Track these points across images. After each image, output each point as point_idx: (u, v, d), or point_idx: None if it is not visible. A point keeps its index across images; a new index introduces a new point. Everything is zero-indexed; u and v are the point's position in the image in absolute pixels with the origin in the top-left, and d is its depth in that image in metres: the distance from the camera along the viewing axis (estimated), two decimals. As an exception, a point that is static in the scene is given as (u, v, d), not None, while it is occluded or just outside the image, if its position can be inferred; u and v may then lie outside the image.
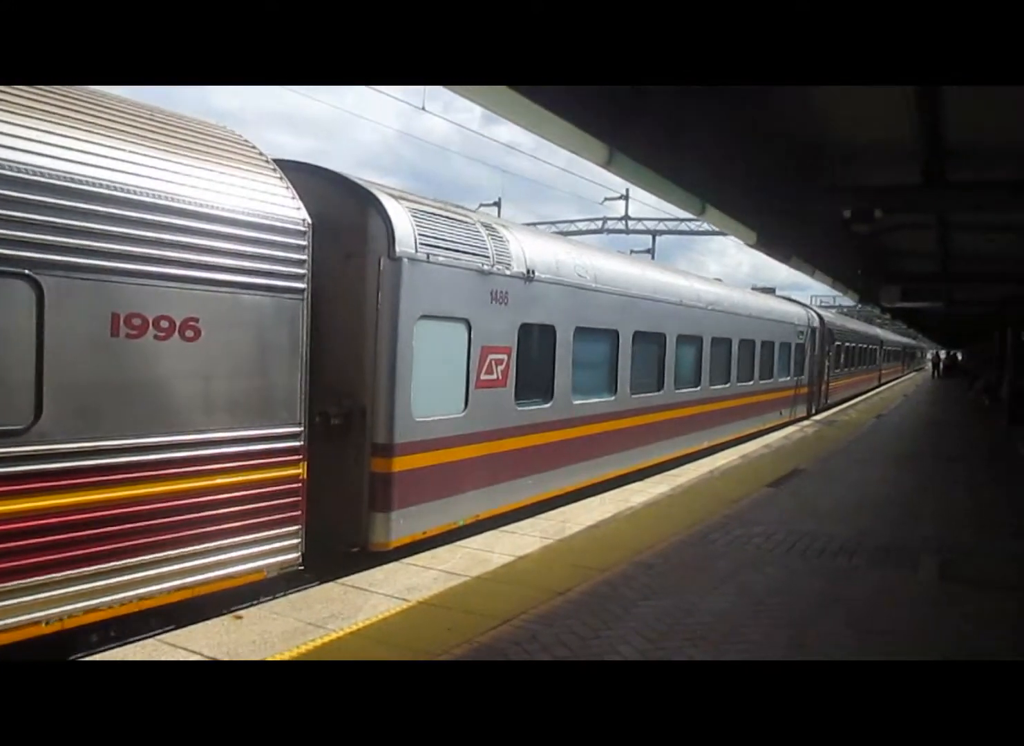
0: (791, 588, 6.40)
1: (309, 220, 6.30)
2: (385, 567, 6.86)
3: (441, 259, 7.62)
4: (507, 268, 8.57)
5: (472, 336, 8.12)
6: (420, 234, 7.41)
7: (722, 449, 15.49)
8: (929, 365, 71.37)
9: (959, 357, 65.37)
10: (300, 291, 6.24)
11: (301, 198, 6.39)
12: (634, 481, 11.42)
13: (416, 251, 7.31)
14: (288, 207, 6.15)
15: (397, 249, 7.10)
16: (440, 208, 8.19)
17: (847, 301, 41.56)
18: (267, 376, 6.07)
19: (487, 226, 8.63)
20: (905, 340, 64.35)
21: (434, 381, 7.73)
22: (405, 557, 7.14)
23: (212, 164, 5.79)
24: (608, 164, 4.85)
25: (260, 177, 6.11)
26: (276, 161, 6.67)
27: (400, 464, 7.27)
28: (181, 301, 5.40)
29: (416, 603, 5.92)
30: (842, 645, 5.22)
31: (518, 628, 5.40)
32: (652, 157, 5.26)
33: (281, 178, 6.31)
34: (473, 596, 6.11)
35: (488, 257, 8.28)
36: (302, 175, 7.05)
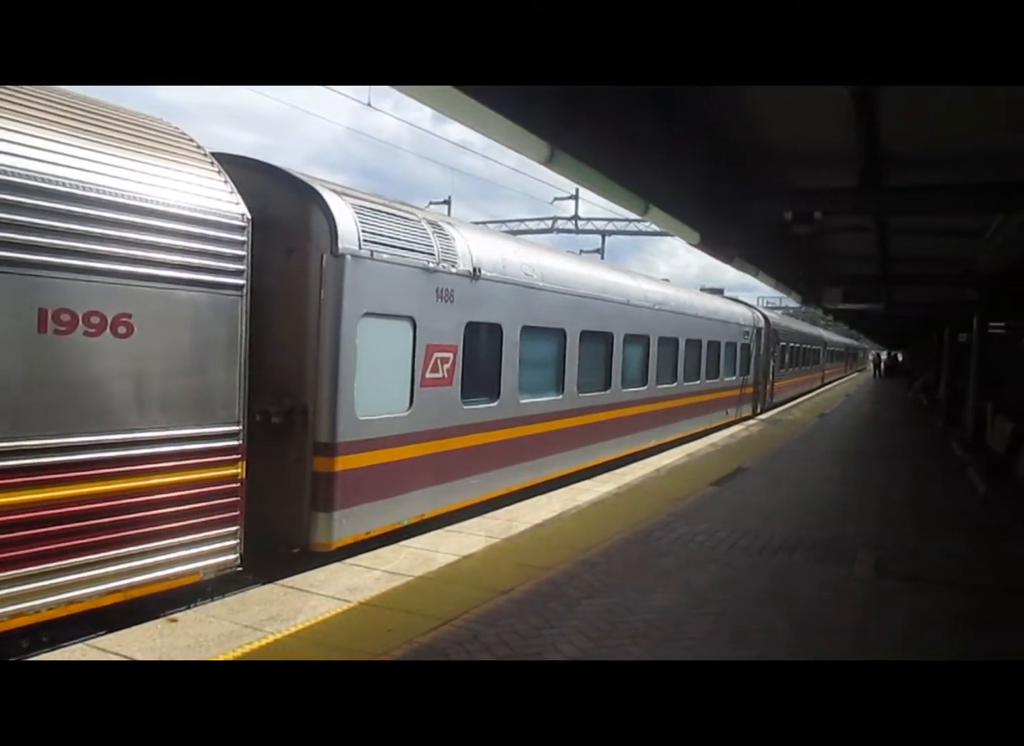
0: (733, 585, 6.46)
1: (248, 215, 6.17)
2: (327, 568, 6.76)
3: (385, 256, 7.54)
4: (453, 266, 8.51)
5: (417, 334, 8.05)
6: (364, 231, 7.32)
7: (669, 448, 15.63)
8: (871, 366, 72.97)
9: (899, 358, 67.03)
10: (239, 287, 6.11)
11: (241, 193, 6.26)
12: (581, 480, 11.45)
13: (359, 248, 7.22)
14: (226, 201, 6.02)
15: (340, 246, 7.01)
16: (384, 205, 8.11)
17: (793, 302, 42.33)
18: (204, 374, 5.94)
19: (432, 224, 8.57)
20: (848, 341, 65.76)
21: (378, 379, 7.64)
22: (348, 558, 7.05)
23: (146, 156, 5.63)
24: (549, 162, 4.83)
25: (196, 170, 5.97)
26: (215, 155, 6.53)
27: (343, 463, 7.17)
28: (113, 296, 5.25)
29: (357, 604, 5.84)
30: (782, 641, 5.29)
31: (460, 628, 5.37)
32: (594, 156, 5.26)
33: (219, 172, 6.18)
34: (416, 596, 6.06)
35: (433, 255, 8.22)
36: (242, 170, 6.91)
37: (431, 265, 8.16)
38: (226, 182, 6.14)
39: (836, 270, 17.36)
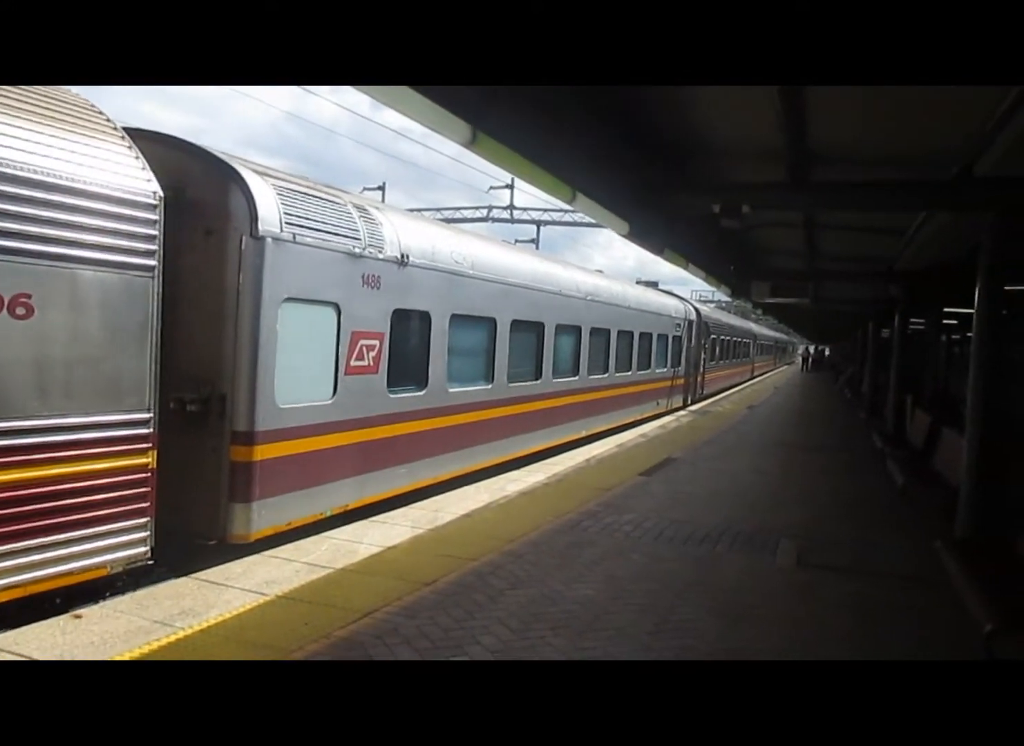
0: (656, 575, 6.47)
1: (160, 193, 5.90)
2: (245, 560, 6.56)
3: (308, 240, 7.32)
4: (380, 252, 8.33)
5: (342, 321, 7.85)
6: (286, 213, 7.09)
7: (600, 438, 15.71)
8: (799, 359, 74.72)
9: (826, 352, 68.81)
10: (150, 268, 5.84)
11: (156, 170, 5.98)
12: (511, 470, 11.41)
13: (281, 230, 6.99)
14: (137, 178, 5.74)
15: (260, 228, 6.77)
16: (309, 187, 7.88)
17: (724, 296, 43.10)
18: (112, 359, 5.65)
19: (359, 208, 8.37)
20: (777, 335, 67.27)
21: (300, 367, 7.43)
22: (267, 549, 6.86)
23: (47, 127, 5.32)
24: (471, 144, 4.71)
25: (104, 144, 5.66)
26: (129, 130, 6.24)
27: (262, 453, 6.96)
28: (10, 275, 4.95)
29: (274, 597, 5.67)
30: (703, 631, 5.31)
31: (380, 621, 5.25)
32: (518, 140, 5.15)
33: (130, 147, 5.89)
34: (336, 589, 5.91)
35: (359, 240, 8.02)
36: (158, 146, 6.63)
37: (357, 250, 7.97)
38: (137, 158, 5.85)
39: (765, 265, 17.62)
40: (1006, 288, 7.42)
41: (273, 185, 7.16)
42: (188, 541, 6.88)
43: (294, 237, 7.13)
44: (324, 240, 7.53)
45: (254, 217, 6.73)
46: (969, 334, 16.67)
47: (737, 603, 5.91)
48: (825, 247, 14.55)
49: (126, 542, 5.81)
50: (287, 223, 7.07)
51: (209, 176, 6.90)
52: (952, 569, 5.52)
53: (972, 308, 7.66)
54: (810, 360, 62.94)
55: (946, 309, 16.25)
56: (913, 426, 13.20)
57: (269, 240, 6.86)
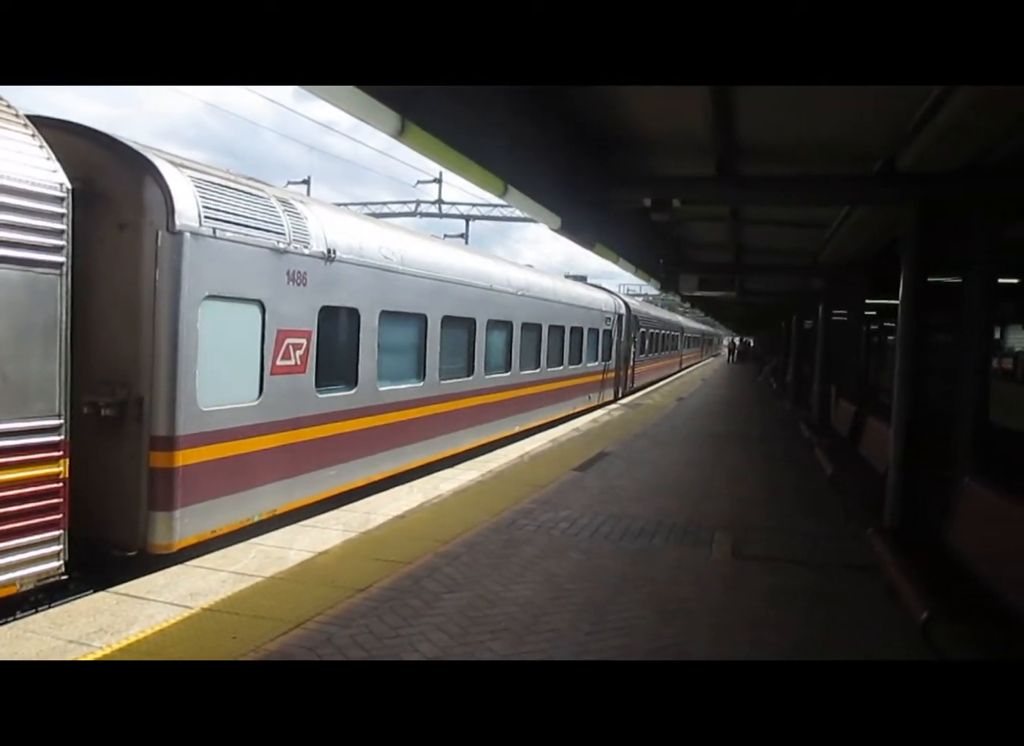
0: (593, 572, 6.41)
1: (68, 184, 5.56)
2: (167, 571, 6.24)
3: (230, 234, 7.02)
4: (305, 247, 8.06)
5: (267, 319, 7.57)
6: (205, 206, 6.78)
7: (534, 433, 15.66)
8: (726, 351, 76.23)
9: (751, 344, 70.38)
10: (58, 265, 5.49)
11: (63, 160, 5.63)
12: (445, 468, 11.24)
13: (200, 225, 6.68)
14: (40, 168, 5.38)
15: (177, 222, 6.45)
16: (230, 180, 7.56)
17: (652, 289, 43.61)
18: (16, 362, 5.30)
19: (283, 202, 8.08)
20: (704, 327, 68.50)
21: (223, 367, 7.13)
22: (192, 559, 6.55)
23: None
24: (400, 135, 4.54)
25: (2, 132, 5.29)
26: (33, 118, 5.86)
27: (184, 458, 6.65)
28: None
29: (200, 610, 5.39)
30: (639, 628, 5.25)
31: (312, 631, 5.04)
32: (448, 132, 5.00)
33: (34, 135, 5.52)
34: (265, 598, 5.66)
35: (284, 234, 7.75)
36: (65, 136, 6.27)
37: (281, 245, 7.69)
38: (41, 147, 5.49)
39: (693, 258, 17.84)
40: (929, 280, 7.57)
41: (191, 177, 6.83)
42: (107, 553, 6.53)
43: (214, 232, 6.83)
44: (246, 235, 7.24)
45: (170, 210, 6.41)
46: (890, 325, 17.14)
47: (672, 597, 5.89)
48: (751, 241, 14.79)
49: (37, 557, 5.46)
50: (206, 217, 6.76)
51: (122, 167, 6.55)
52: (884, 557, 5.60)
53: (894, 300, 7.80)
54: (736, 352, 64.23)
55: (869, 301, 16.66)
56: (838, 415, 13.51)
57: (187, 235, 6.54)
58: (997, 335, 30.09)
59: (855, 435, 10.82)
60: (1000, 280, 8.49)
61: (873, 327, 31.52)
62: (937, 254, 7.74)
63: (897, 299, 7.74)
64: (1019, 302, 18.76)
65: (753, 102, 6.54)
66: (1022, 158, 7.17)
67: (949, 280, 8.03)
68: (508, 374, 14.81)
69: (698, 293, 16.24)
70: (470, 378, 12.93)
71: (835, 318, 17.25)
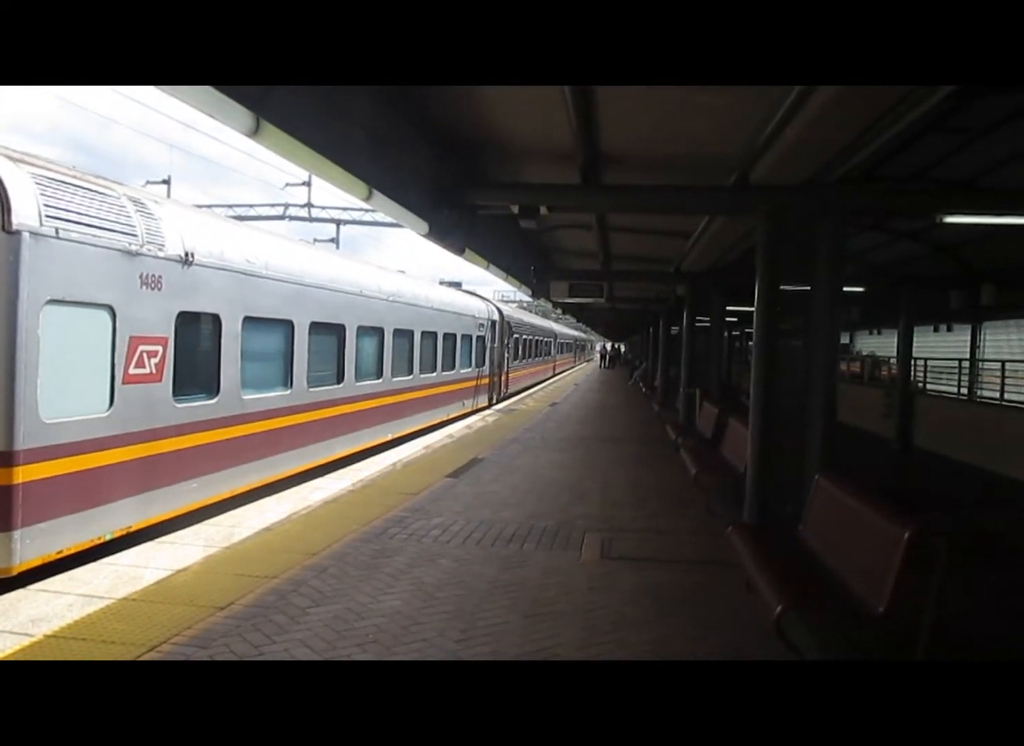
0: (463, 579, 6.36)
1: None
2: (6, 597, 5.78)
3: (75, 235, 6.60)
4: (160, 249, 7.67)
5: (117, 325, 7.15)
6: (47, 205, 6.35)
7: (407, 441, 15.50)
8: (598, 357, 77.88)
9: (622, 349, 72.28)
10: None
11: None
12: (315, 477, 10.96)
13: (41, 224, 6.25)
14: None
15: (14, 221, 6.01)
16: (76, 177, 7.11)
17: (525, 296, 44.11)
18: None
19: (136, 201, 7.66)
20: (577, 333, 69.89)
21: (69, 377, 6.69)
22: (35, 582, 6.09)
23: None
24: (255, 134, 4.36)
25: None
26: None
27: (24, 474, 6.19)
28: None
29: (42, 638, 5.01)
30: (508, 633, 5.24)
31: (167, 654, 4.76)
32: (307, 132, 4.84)
33: None
34: (116, 622, 5.31)
35: (136, 236, 7.34)
36: None
37: (133, 247, 7.29)
38: None
39: (563, 265, 18.15)
40: (782, 288, 7.94)
41: (31, 174, 6.39)
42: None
43: (57, 232, 6.40)
44: (94, 236, 6.82)
45: (6, 209, 5.97)
46: (749, 330, 17.94)
47: (540, 601, 5.91)
48: (619, 249, 15.17)
49: None
50: (48, 216, 6.33)
51: (-51, 162, 6.06)
52: (743, 552, 5.79)
53: (751, 306, 8.15)
54: (608, 357, 65.75)
55: (730, 307, 17.42)
56: (702, 417, 13.99)
57: (26, 235, 6.10)
58: (846, 340, 32.24)
59: (718, 436, 11.21)
60: (846, 288, 8.99)
61: (735, 333, 33.09)
62: (788, 263, 8.15)
63: (754, 306, 8.09)
64: (864, 309, 20.08)
65: (615, 112, 6.69)
66: (860, 175, 7.66)
67: (800, 288, 8.45)
68: (380, 381, 14.61)
69: (568, 300, 16.51)
70: (340, 385, 12.66)
71: (699, 324, 17.91)
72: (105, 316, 7.05)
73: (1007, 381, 16.29)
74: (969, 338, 21.08)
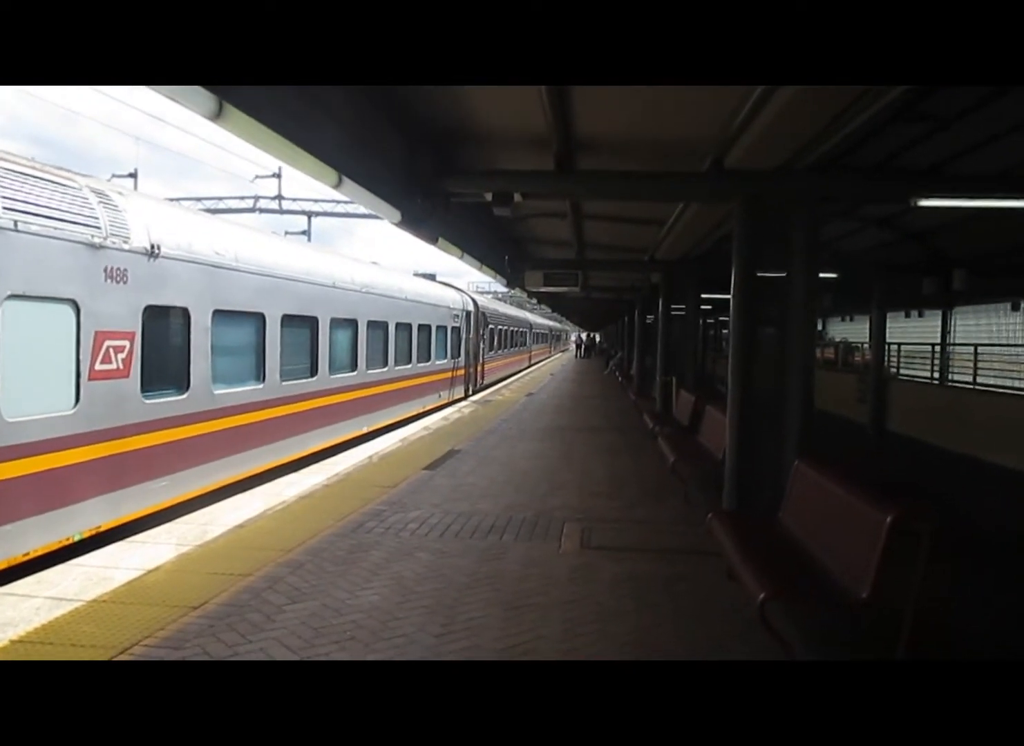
0: (442, 572, 6.28)
1: None
2: (-30, 602, 5.62)
3: (35, 228, 6.41)
4: (125, 242, 7.48)
5: (82, 320, 6.97)
6: (4, 197, 6.17)
7: (383, 433, 15.36)
8: (573, 346, 77.88)
9: (597, 338, 72.31)
10: None
11: None
12: (290, 472, 10.81)
13: (-1, 217, 6.06)
14: None
15: (-30, 214, 5.83)
16: (36, 169, 6.91)
17: (500, 286, 43.98)
18: None
19: (99, 193, 7.46)
20: (552, 323, 69.88)
21: (32, 374, 6.52)
22: (1, 586, 5.93)
23: None
24: (218, 118, 4.22)
25: None
26: None
27: (-12, 475, 6.02)
28: None
29: (8, 643, 4.87)
30: (490, 625, 5.17)
31: (138, 656, 4.63)
32: (273, 117, 4.69)
33: None
34: (86, 625, 5.17)
35: (99, 228, 7.16)
36: None
37: (97, 240, 7.10)
38: None
39: (538, 254, 18.04)
40: (758, 275, 7.91)
41: (-13, 165, 6.19)
42: None
43: (15, 225, 6.21)
44: (55, 228, 6.63)
45: (-38, 202, 5.78)
46: (726, 318, 17.96)
47: (521, 593, 5.84)
48: (593, 237, 15.09)
49: None
50: (6, 209, 6.14)
51: (-98, 153, 5.85)
52: (724, 540, 5.75)
53: (727, 294, 8.12)
54: (583, 347, 65.77)
55: (705, 295, 17.39)
56: (679, 406, 13.97)
57: (-17, 228, 5.92)
58: (820, 326, 32.44)
59: (695, 424, 11.19)
60: (821, 275, 8.98)
61: (711, 321, 33.18)
62: (764, 250, 8.11)
63: (730, 294, 8.06)
64: (837, 296, 20.17)
65: (589, 98, 6.60)
66: (831, 161, 7.63)
67: (776, 275, 8.42)
68: (354, 373, 14.46)
69: (543, 289, 16.41)
70: (314, 379, 12.51)
71: (675, 312, 17.88)
72: (69, 311, 6.86)
73: (979, 365, 16.41)
74: (940, 323, 21.26)
